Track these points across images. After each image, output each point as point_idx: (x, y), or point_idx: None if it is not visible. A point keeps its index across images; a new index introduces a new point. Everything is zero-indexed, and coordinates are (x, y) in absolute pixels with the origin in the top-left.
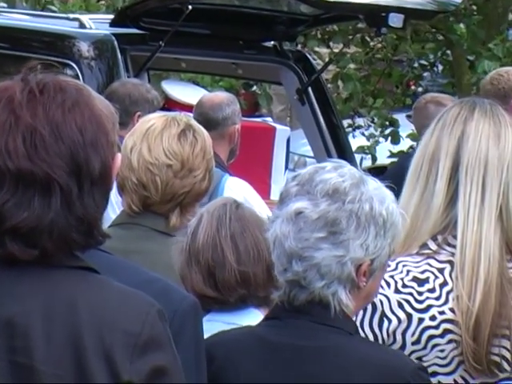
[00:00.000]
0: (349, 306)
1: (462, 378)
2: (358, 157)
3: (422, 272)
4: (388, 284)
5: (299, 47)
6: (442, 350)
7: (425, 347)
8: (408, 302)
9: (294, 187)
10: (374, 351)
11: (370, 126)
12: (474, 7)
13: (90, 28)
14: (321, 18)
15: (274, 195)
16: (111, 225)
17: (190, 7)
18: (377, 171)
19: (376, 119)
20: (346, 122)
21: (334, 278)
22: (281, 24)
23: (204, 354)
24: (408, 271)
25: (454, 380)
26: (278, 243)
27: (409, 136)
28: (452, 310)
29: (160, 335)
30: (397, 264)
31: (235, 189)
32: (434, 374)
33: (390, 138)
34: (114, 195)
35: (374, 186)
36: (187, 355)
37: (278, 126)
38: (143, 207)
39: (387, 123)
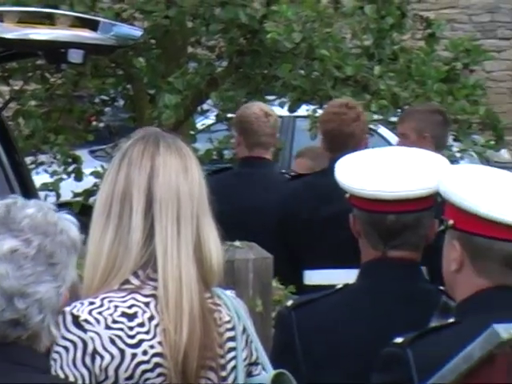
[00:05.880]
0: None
1: None
2: (42, 194)
3: (130, 307)
4: (97, 321)
5: None
6: None
7: (137, 382)
8: (120, 337)
9: None
10: None
11: (52, 162)
12: (153, 41)
13: None
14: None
15: None
16: None
17: None
18: (61, 207)
19: (59, 156)
20: (28, 159)
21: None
22: None
23: None
24: (116, 306)
25: None
26: None
27: (93, 173)
28: (160, 343)
29: None
30: (102, 300)
31: None
32: None
33: (73, 175)
34: None
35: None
36: None
37: None
38: None
39: (70, 160)
